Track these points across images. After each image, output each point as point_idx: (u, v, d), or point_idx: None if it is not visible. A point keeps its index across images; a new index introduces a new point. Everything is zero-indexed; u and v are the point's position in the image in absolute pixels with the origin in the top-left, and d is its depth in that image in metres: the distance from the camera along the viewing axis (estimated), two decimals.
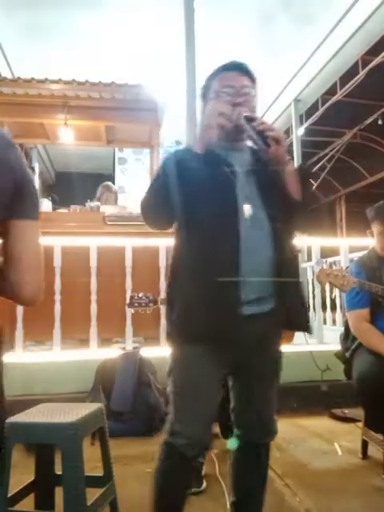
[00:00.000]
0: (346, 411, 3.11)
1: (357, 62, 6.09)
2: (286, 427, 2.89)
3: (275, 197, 1.37)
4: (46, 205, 4.47)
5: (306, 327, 1.46)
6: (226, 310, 1.29)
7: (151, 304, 2.49)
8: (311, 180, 1.45)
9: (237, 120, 1.36)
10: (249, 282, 1.31)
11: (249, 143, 1.48)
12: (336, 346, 2.57)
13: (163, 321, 3.56)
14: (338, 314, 4.84)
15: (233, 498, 1.51)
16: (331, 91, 6.86)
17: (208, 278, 1.29)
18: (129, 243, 3.68)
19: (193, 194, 1.34)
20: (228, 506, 1.63)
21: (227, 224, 1.33)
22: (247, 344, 1.34)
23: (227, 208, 1.35)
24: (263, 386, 1.43)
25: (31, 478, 1.70)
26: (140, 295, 2.50)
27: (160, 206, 1.37)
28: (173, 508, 1.37)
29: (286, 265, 1.37)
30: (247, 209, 1.35)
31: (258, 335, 1.33)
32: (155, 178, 1.39)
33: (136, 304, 2.48)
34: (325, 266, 2.04)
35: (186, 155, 1.39)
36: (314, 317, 4.32)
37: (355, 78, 6.13)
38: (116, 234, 3.94)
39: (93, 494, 1.56)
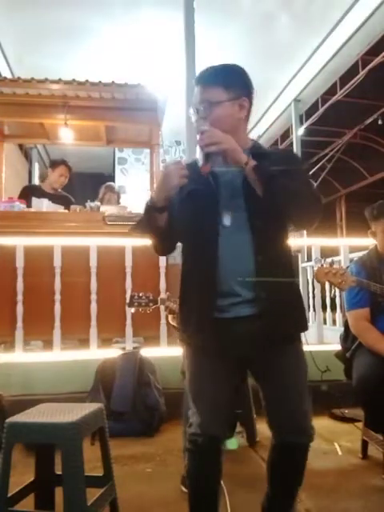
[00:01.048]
0: (346, 411, 3.11)
1: (357, 62, 6.09)
2: None
3: (259, 202, 1.34)
4: (46, 205, 4.46)
5: (301, 328, 1.47)
6: (203, 317, 1.37)
7: (151, 303, 2.49)
8: (268, 172, 1.33)
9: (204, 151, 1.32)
10: (226, 288, 1.37)
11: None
12: (336, 346, 2.57)
13: (163, 321, 3.56)
14: (338, 314, 4.84)
15: (267, 489, 1.54)
16: (331, 91, 6.85)
17: (190, 285, 1.44)
18: (129, 243, 3.68)
19: (180, 207, 1.40)
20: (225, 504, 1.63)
21: (207, 233, 1.39)
22: (242, 346, 1.37)
23: (206, 218, 1.40)
24: (281, 386, 1.43)
25: (31, 478, 1.70)
26: (140, 295, 2.50)
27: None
28: (197, 494, 1.46)
29: (272, 267, 1.37)
30: (226, 217, 1.38)
31: (249, 338, 1.36)
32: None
33: (136, 303, 2.49)
34: (324, 265, 2.03)
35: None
36: (314, 317, 4.32)
37: (355, 78, 6.13)
38: (116, 234, 3.94)
39: (93, 494, 1.56)
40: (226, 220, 1.38)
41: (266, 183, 1.31)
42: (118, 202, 5.14)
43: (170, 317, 2.64)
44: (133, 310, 2.57)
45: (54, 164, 4.84)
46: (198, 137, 1.34)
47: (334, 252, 4.69)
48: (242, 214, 1.38)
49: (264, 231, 1.37)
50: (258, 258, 1.36)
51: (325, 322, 4.71)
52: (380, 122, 6.96)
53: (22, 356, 3.39)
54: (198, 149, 1.41)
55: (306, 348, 1.53)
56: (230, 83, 1.38)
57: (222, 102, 1.36)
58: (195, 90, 1.41)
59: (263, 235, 1.37)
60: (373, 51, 5.78)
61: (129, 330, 3.57)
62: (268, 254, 1.37)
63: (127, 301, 2.59)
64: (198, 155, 1.47)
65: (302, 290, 1.55)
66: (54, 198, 4.48)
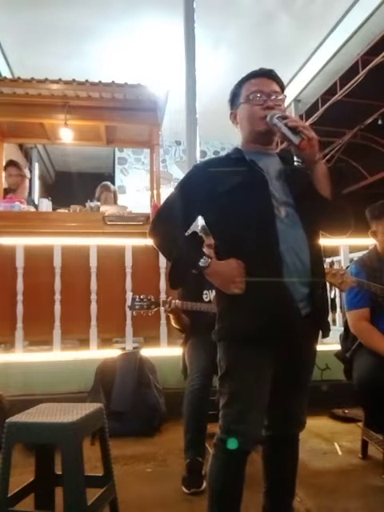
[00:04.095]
0: (346, 411, 3.11)
1: (357, 62, 6.10)
2: None
3: (306, 198, 1.39)
4: (46, 205, 4.46)
5: (327, 330, 1.49)
6: (287, 309, 1.32)
7: (153, 306, 2.47)
8: (346, 181, 1.45)
9: (270, 121, 1.39)
10: (293, 282, 1.34)
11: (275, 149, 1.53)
12: (336, 346, 2.57)
13: (163, 321, 3.56)
14: (338, 314, 4.84)
15: (265, 487, 1.54)
16: (331, 91, 6.86)
17: (258, 278, 1.31)
18: (129, 243, 3.68)
19: (227, 199, 1.37)
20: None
21: (265, 224, 1.35)
22: (296, 343, 1.38)
23: (264, 209, 1.36)
24: (299, 385, 1.47)
25: (31, 478, 1.70)
26: (141, 297, 2.48)
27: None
28: (235, 502, 1.37)
29: (317, 266, 1.41)
30: (283, 210, 1.37)
31: (302, 334, 1.37)
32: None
33: (137, 306, 2.47)
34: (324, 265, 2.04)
35: (214, 163, 1.47)
36: None
37: (355, 78, 6.13)
38: (116, 234, 3.94)
39: (93, 494, 1.56)
40: (284, 212, 1.37)
41: (340, 186, 1.39)
42: (115, 201, 5.13)
43: (173, 318, 2.59)
44: (134, 313, 2.54)
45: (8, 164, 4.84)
46: (268, 112, 1.40)
47: (334, 252, 4.69)
48: (293, 211, 1.39)
49: (312, 231, 1.41)
50: (311, 256, 1.37)
51: None
52: (380, 122, 6.97)
53: (22, 356, 3.39)
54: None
55: None
56: (283, 86, 1.53)
57: (284, 99, 1.50)
58: (258, 79, 1.48)
59: (312, 235, 1.41)
60: (373, 51, 5.79)
61: (129, 329, 3.57)
62: (317, 253, 1.42)
63: (128, 303, 2.56)
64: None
65: None
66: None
